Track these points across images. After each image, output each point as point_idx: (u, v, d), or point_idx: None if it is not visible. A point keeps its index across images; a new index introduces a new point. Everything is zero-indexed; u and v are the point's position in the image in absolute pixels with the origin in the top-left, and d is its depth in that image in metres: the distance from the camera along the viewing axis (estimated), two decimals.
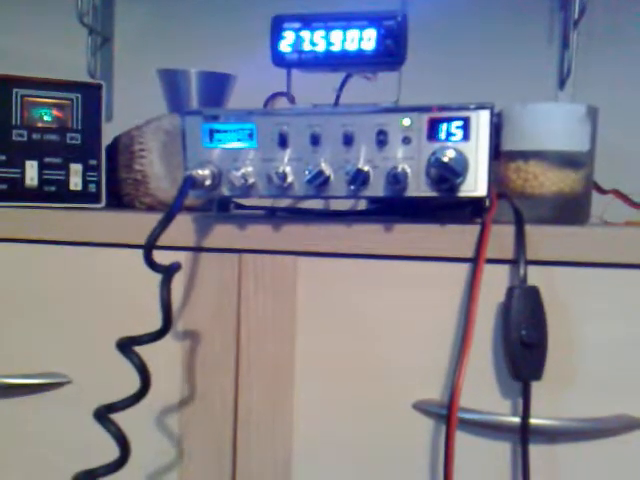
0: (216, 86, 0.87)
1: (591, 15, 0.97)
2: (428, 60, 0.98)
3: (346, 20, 0.55)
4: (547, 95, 1.01)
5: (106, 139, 0.76)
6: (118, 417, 0.54)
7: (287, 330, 0.60)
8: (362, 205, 0.76)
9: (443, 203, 0.61)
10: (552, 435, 0.56)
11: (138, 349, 0.54)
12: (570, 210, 0.65)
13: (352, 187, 0.55)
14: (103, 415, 0.54)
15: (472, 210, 0.59)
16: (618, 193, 0.74)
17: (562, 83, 1.00)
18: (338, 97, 0.66)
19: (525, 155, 0.64)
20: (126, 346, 0.54)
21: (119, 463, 0.54)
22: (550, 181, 0.64)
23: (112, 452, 0.54)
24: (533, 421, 0.54)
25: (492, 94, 0.69)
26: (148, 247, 0.52)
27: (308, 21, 0.56)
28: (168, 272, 0.54)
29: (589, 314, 0.55)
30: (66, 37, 1.11)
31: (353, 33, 0.55)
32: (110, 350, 0.55)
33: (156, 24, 1.11)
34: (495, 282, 0.56)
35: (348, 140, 0.54)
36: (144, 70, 1.00)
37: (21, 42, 1.12)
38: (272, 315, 0.60)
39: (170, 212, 0.53)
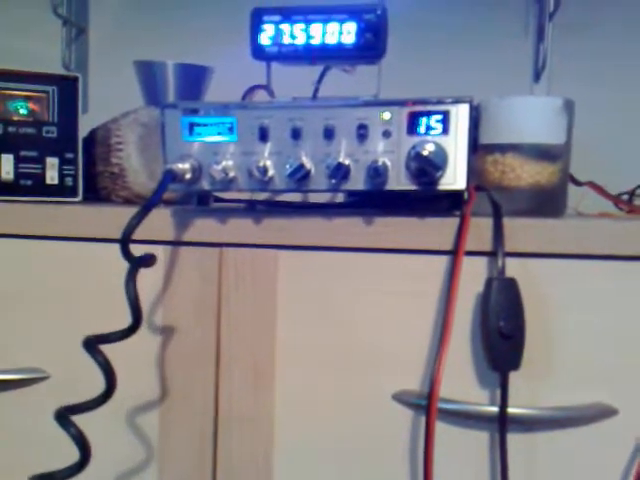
0: (193, 78, 0.86)
1: (566, 8, 0.98)
2: (404, 53, 0.99)
3: (326, 13, 0.55)
4: (522, 88, 1.02)
5: (82, 132, 0.75)
6: (96, 413, 0.53)
7: (268, 323, 0.60)
8: (340, 198, 0.76)
9: (421, 196, 0.62)
10: (530, 424, 0.57)
11: (118, 344, 0.53)
12: (547, 202, 0.66)
13: (333, 181, 0.55)
14: (63, 416, 0.52)
15: (451, 203, 0.60)
16: (593, 185, 0.75)
17: (537, 76, 1.01)
18: (317, 90, 0.65)
19: (502, 148, 0.65)
20: (92, 345, 0.53)
21: (79, 466, 0.52)
22: (527, 173, 0.64)
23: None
24: (511, 410, 0.55)
25: (468, 87, 0.69)
26: (125, 238, 0.51)
27: (288, 14, 0.56)
28: (138, 263, 0.53)
29: (565, 305, 0.56)
30: (40, 28, 1.09)
31: (333, 26, 0.55)
32: None
33: (132, 15, 1.09)
34: (474, 274, 0.56)
35: (329, 134, 0.55)
36: (120, 62, 0.99)
37: None
38: (253, 309, 0.60)
39: (148, 204, 0.52)
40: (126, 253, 0.52)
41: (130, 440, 0.63)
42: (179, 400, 0.62)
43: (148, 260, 0.54)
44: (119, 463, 0.64)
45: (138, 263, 0.53)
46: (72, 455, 0.53)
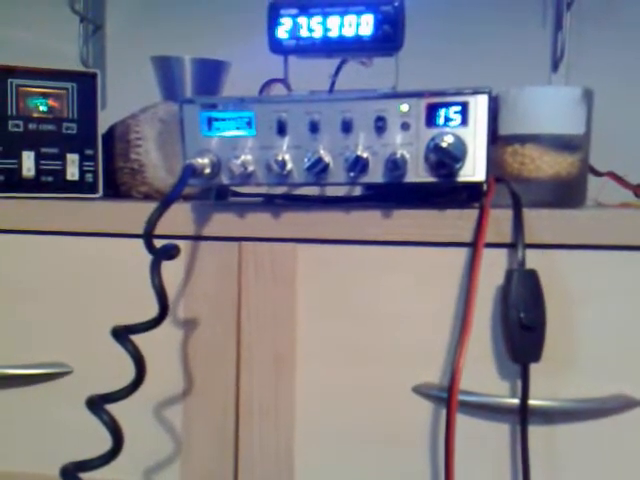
0: (210, 73, 0.87)
1: None
2: (420, 45, 0.98)
3: (343, 5, 0.55)
4: (540, 78, 1.01)
5: (101, 128, 0.75)
6: (118, 406, 0.54)
7: (287, 317, 0.60)
8: (357, 191, 0.76)
9: (439, 188, 0.61)
10: (551, 416, 0.57)
11: (138, 339, 0.53)
12: (566, 193, 0.65)
13: (351, 174, 0.55)
14: (97, 405, 0.53)
15: (470, 195, 0.59)
16: (613, 175, 0.74)
17: (555, 66, 1.00)
18: (333, 83, 0.65)
19: (522, 138, 0.64)
20: (122, 334, 0.53)
21: (111, 455, 0.52)
22: (547, 164, 0.64)
23: None
24: (532, 402, 0.55)
25: (485, 78, 0.69)
26: (148, 231, 0.51)
27: (305, 7, 0.55)
28: (162, 254, 0.53)
29: (586, 296, 0.56)
30: (57, 25, 1.10)
31: (350, 18, 0.55)
32: (111, 339, 0.56)
33: (148, 10, 1.10)
34: (494, 266, 0.56)
35: (347, 127, 0.54)
36: (137, 58, 0.99)
37: (12, 31, 1.11)
38: (272, 302, 0.61)
39: (169, 197, 0.52)
40: (149, 246, 0.52)
41: (152, 432, 0.64)
42: (200, 392, 0.63)
43: (172, 250, 0.54)
44: (142, 455, 0.64)
45: (162, 254, 0.53)
46: (97, 447, 0.53)
